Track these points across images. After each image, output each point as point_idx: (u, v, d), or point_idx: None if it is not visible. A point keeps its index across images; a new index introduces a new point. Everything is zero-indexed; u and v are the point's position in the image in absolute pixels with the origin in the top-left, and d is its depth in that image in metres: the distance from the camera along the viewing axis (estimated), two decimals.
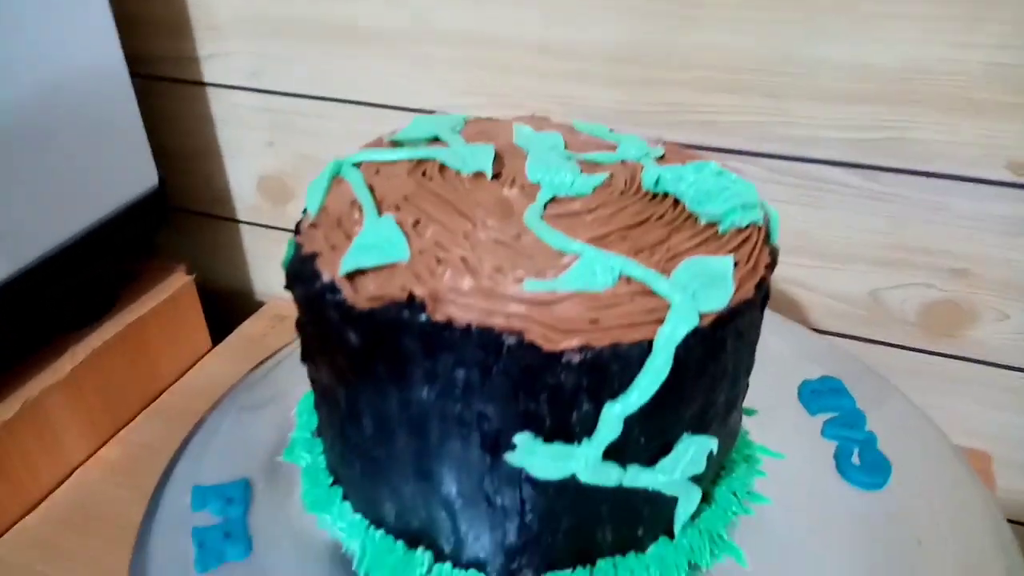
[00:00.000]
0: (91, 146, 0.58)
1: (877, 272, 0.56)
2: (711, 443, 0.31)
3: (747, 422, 0.41)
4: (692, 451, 0.31)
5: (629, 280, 0.28)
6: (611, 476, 0.30)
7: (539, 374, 0.27)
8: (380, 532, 0.35)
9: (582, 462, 0.29)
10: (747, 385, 0.35)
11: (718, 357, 0.30)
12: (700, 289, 0.28)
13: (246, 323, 0.72)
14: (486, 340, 0.27)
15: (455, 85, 0.60)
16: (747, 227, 0.32)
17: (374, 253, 0.29)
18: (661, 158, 0.37)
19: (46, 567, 0.51)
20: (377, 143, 0.39)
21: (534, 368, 0.27)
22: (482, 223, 0.31)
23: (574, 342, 0.27)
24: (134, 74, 0.59)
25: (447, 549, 0.33)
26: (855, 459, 0.39)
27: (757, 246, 0.31)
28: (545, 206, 0.32)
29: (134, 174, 0.62)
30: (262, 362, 0.53)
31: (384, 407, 0.30)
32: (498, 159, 0.35)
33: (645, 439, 0.30)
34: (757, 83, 0.53)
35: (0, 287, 0.52)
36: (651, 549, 0.34)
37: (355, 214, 0.31)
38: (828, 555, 0.35)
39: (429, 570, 0.33)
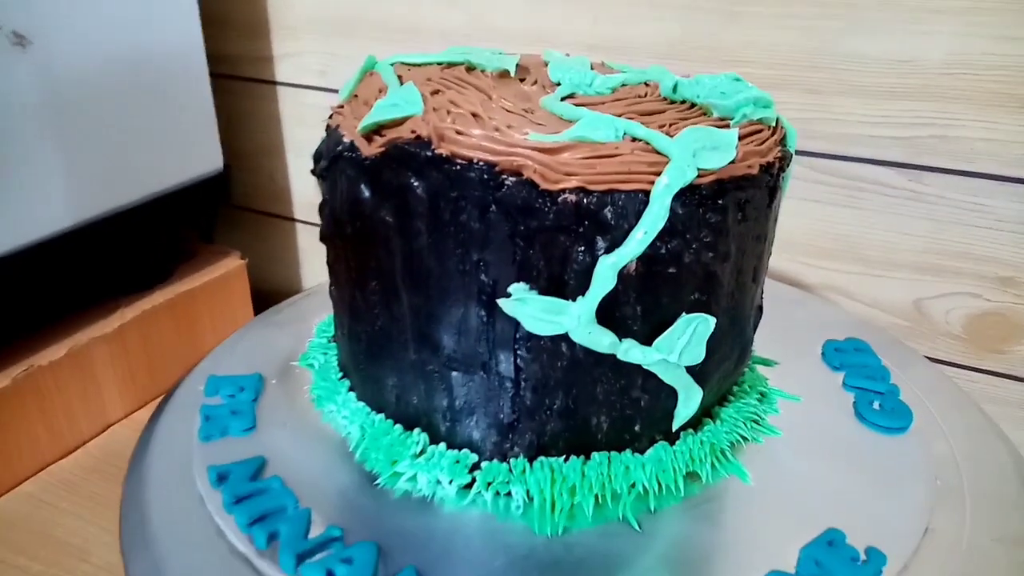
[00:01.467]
0: (164, 122, 0.62)
1: (921, 280, 0.55)
2: (709, 323, 0.30)
3: (766, 372, 0.40)
4: (690, 332, 0.30)
5: (634, 139, 0.29)
6: (603, 342, 0.29)
7: (536, 215, 0.28)
8: (380, 417, 0.35)
9: (575, 319, 0.29)
10: (757, 306, 0.35)
11: (718, 229, 0.30)
12: (701, 150, 0.29)
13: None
14: (486, 176, 0.28)
15: None
16: (758, 122, 0.32)
17: (391, 110, 0.31)
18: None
19: (71, 506, 0.52)
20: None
21: (531, 208, 0.28)
22: (499, 98, 0.32)
23: (571, 183, 0.27)
24: (212, 73, 0.63)
25: (442, 429, 0.33)
26: (875, 406, 0.38)
27: (767, 137, 0.32)
28: (564, 98, 0.33)
29: (200, 156, 0.65)
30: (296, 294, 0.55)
31: (389, 263, 0.31)
32: (524, 69, 0.36)
33: (642, 309, 0.30)
34: (799, 78, 0.54)
35: (64, 235, 0.55)
36: (649, 451, 0.33)
37: (381, 95, 0.33)
38: (839, 486, 0.33)
39: (423, 450, 0.33)
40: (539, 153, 0.28)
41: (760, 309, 0.36)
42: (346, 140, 0.32)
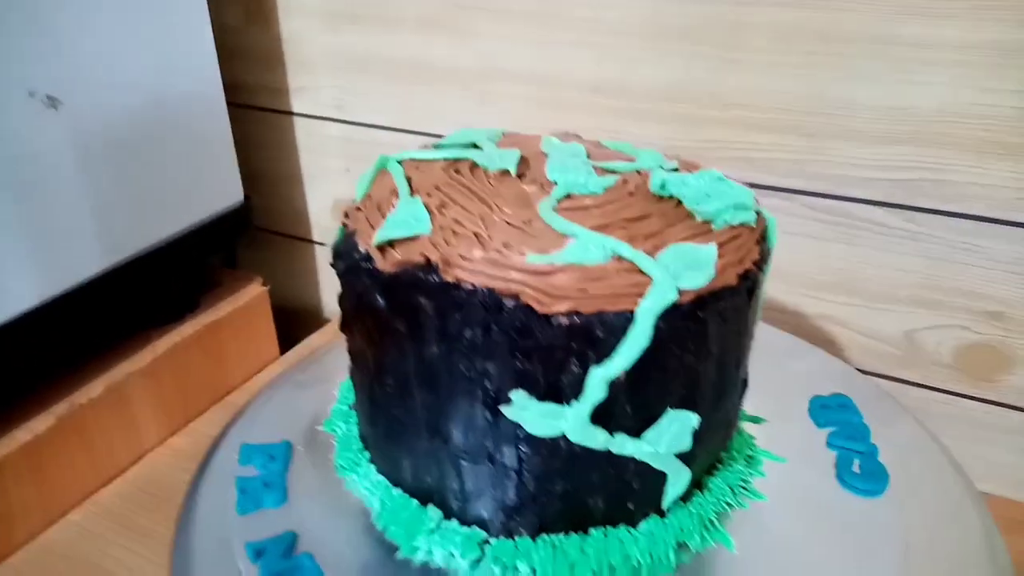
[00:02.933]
0: (187, 161, 0.64)
1: (913, 312, 0.58)
2: (692, 419, 0.33)
3: (755, 430, 0.43)
4: (675, 426, 0.33)
5: (620, 259, 0.32)
6: (598, 439, 0.32)
7: (533, 335, 0.31)
8: (398, 491, 0.38)
9: (570, 422, 0.32)
10: (742, 380, 0.38)
11: (700, 336, 0.32)
12: (682, 270, 0.31)
13: (312, 336, 0.77)
14: (488, 301, 0.31)
15: (516, 120, 0.65)
16: (738, 226, 0.35)
17: (402, 227, 0.34)
18: (674, 170, 0.40)
19: (116, 536, 0.56)
20: (424, 148, 0.44)
21: (529, 329, 0.31)
22: (499, 209, 0.35)
23: (564, 307, 0.31)
24: (230, 102, 0.66)
25: (455, 507, 0.36)
26: (855, 468, 0.41)
27: (746, 242, 0.34)
28: (559, 200, 0.35)
29: (222, 190, 0.68)
30: (316, 351, 0.58)
31: (403, 365, 0.34)
32: (524, 162, 0.39)
33: (631, 408, 0.33)
34: (794, 123, 0.55)
35: (95, 280, 0.58)
36: (642, 525, 0.36)
37: (393, 199, 0.36)
38: (817, 552, 0.37)
39: (438, 525, 0.37)
40: (535, 278, 0.31)
41: (745, 383, 0.39)
42: (362, 249, 0.35)
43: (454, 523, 0.37)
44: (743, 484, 0.39)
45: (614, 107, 0.61)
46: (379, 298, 0.34)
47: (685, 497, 0.37)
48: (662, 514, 0.37)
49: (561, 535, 0.36)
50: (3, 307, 0.52)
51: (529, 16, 0.61)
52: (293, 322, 0.81)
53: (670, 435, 0.33)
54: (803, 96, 0.55)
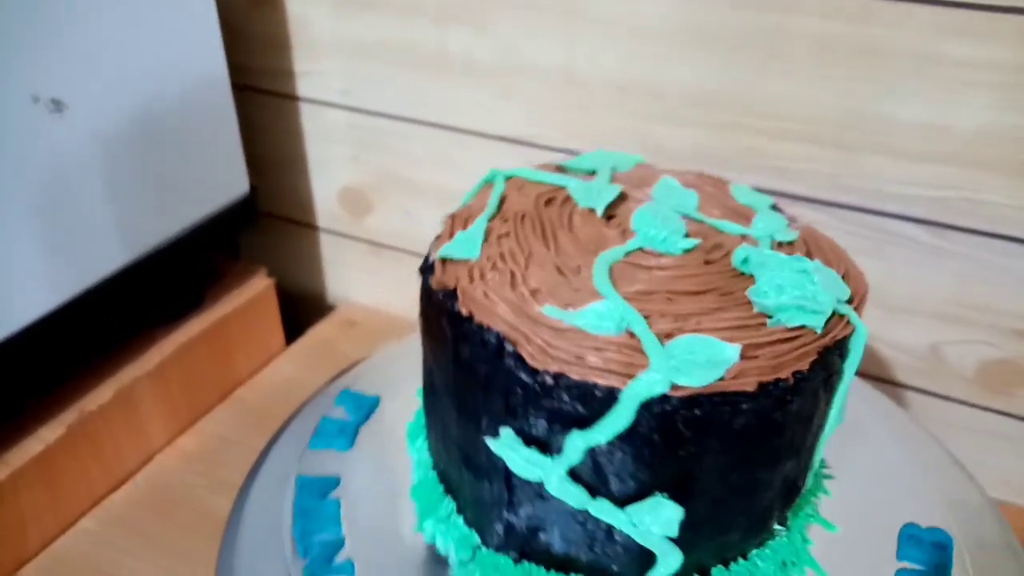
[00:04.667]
0: (191, 154, 0.62)
1: (939, 326, 0.57)
2: (677, 513, 0.33)
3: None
4: (662, 510, 0.33)
5: (632, 335, 0.31)
6: (578, 498, 0.33)
7: (525, 384, 0.32)
8: (434, 473, 0.42)
9: (550, 475, 0.33)
10: (784, 483, 0.36)
11: (698, 433, 0.32)
12: (687, 364, 0.30)
13: (317, 326, 0.76)
14: (493, 340, 0.33)
15: (536, 117, 0.62)
16: (796, 328, 0.33)
17: (459, 248, 0.36)
18: (789, 243, 0.38)
19: (128, 544, 0.55)
20: (546, 166, 0.44)
21: (521, 378, 0.32)
22: (557, 251, 0.35)
23: (554, 367, 0.31)
24: (233, 85, 0.63)
25: (463, 508, 0.40)
26: None
27: (795, 349, 0.32)
28: (627, 253, 0.34)
29: (227, 181, 0.66)
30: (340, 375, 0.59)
31: (436, 367, 0.37)
32: (622, 201, 0.39)
33: (614, 480, 0.33)
34: (831, 135, 0.54)
35: (100, 285, 0.56)
36: None
37: (477, 216, 0.37)
38: None
39: (448, 516, 0.40)
40: (540, 330, 0.32)
41: (796, 486, 0.38)
42: (431, 258, 0.37)
43: (461, 520, 0.39)
44: None
45: (643, 110, 0.59)
46: (426, 304, 0.36)
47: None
48: None
49: (542, 569, 0.37)
50: (15, 316, 0.51)
51: (555, 9, 0.58)
52: (298, 307, 0.79)
53: (654, 517, 0.33)
54: (841, 109, 0.53)
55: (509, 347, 0.32)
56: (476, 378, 0.34)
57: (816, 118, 0.54)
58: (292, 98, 0.71)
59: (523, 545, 0.37)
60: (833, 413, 0.36)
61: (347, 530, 0.41)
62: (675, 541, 0.34)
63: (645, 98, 0.58)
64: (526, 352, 0.32)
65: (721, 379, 0.31)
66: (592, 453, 0.33)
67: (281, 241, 0.80)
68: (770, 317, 0.33)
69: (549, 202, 0.40)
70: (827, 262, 0.37)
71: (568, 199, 0.40)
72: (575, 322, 0.32)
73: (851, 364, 0.35)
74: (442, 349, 0.36)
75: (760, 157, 0.57)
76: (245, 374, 0.70)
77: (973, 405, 0.59)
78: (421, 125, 0.67)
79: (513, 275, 0.35)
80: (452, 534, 0.40)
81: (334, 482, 0.44)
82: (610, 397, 0.31)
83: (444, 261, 0.37)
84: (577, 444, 0.32)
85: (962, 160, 0.52)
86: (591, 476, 0.33)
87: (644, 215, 0.37)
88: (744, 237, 0.37)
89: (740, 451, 0.33)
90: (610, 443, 0.32)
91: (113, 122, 0.55)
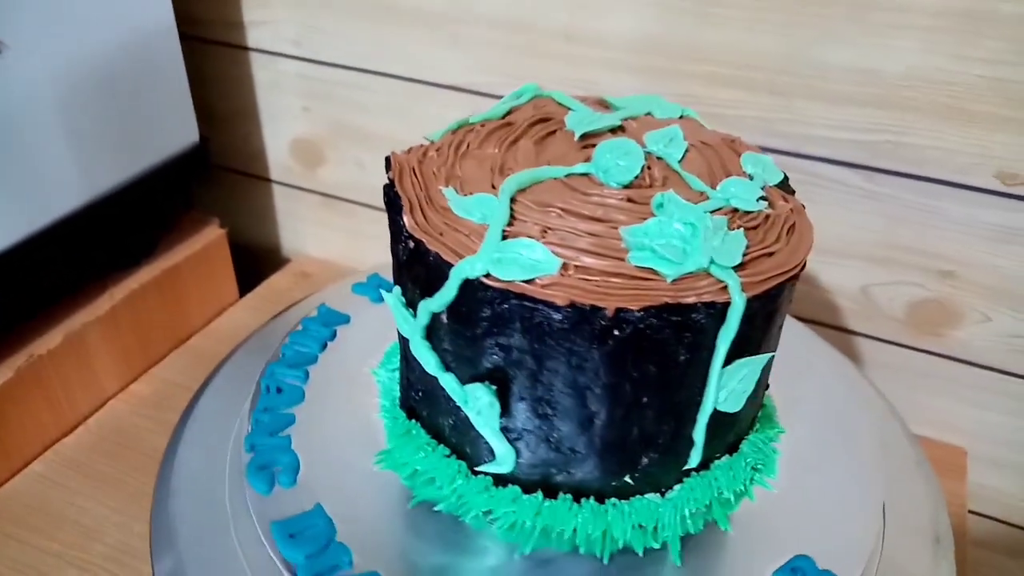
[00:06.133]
0: (140, 102, 0.62)
1: (869, 269, 0.60)
2: (494, 402, 0.36)
3: None
4: (479, 395, 0.36)
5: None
6: (432, 364, 0.37)
7: (407, 248, 0.36)
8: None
9: (413, 333, 0.37)
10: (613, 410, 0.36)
11: (503, 327, 0.35)
12: (508, 260, 0.33)
13: (272, 277, 0.76)
14: (398, 204, 0.37)
15: (486, 65, 0.63)
16: (646, 269, 0.34)
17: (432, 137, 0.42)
18: (746, 212, 0.37)
19: (80, 486, 0.56)
20: (589, 98, 0.46)
21: (406, 241, 0.36)
22: (510, 155, 0.39)
23: (418, 235, 0.35)
24: (182, 35, 0.63)
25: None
26: None
27: (629, 288, 0.33)
28: (571, 175, 0.38)
29: (177, 131, 0.66)
30: (283, 311, 0.60)
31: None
32: (616, 136, 0.41)
33: (455, 359, 0.37)
34: (765, 81, 0.56)
35: (49, 228, 0.56)
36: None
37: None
38: None
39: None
40: (424, 205, 0.37)
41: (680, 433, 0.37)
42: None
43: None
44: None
45: (587, 56, 0.60)
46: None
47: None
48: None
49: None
50: None
51: None
52: (252, 261, 0.80)
53: (474, 400, 0.36)
54: (777, 55, 0.55)
55: (406, 212, 0.36)
56: (394, 240, 0.38)
57: (752, 64, 0.56)
58: (243, 48, 0.71)
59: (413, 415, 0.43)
60: (712, 378, 0.35)
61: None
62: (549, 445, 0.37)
63: (589, 45, 0.59)
64: (407, 218, 0.36)
65: (529, 282, 0.33)
66: (439, 327, 0.36)
67: (234, 193, 0.81)
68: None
69: (544, 120, 0.41)
70: (777, 239, 0.36)
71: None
72: (455, 206, 0.36)
73: (726, 333, 0.34)
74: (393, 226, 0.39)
75: (697, 103, 0.58)
76: (199, 323, 0.70)
77: (904, 346, 0.61)
78: (373, 75, 0.68)
79: (450, 161, 0.38)
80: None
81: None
82: (443, 271, 0.34)
83: (412, 147, 0.40)
84: (424, 308, 0.36)
85: (890, 103, 0.53)
86: (443, 352, 0.37)
87: (608, 146, 0.38)
88: (702, 194, 0.37)
89: (553, 362, 0.34)
90: (447, 317, 0.35)
91: (57, 66, 0.55)
